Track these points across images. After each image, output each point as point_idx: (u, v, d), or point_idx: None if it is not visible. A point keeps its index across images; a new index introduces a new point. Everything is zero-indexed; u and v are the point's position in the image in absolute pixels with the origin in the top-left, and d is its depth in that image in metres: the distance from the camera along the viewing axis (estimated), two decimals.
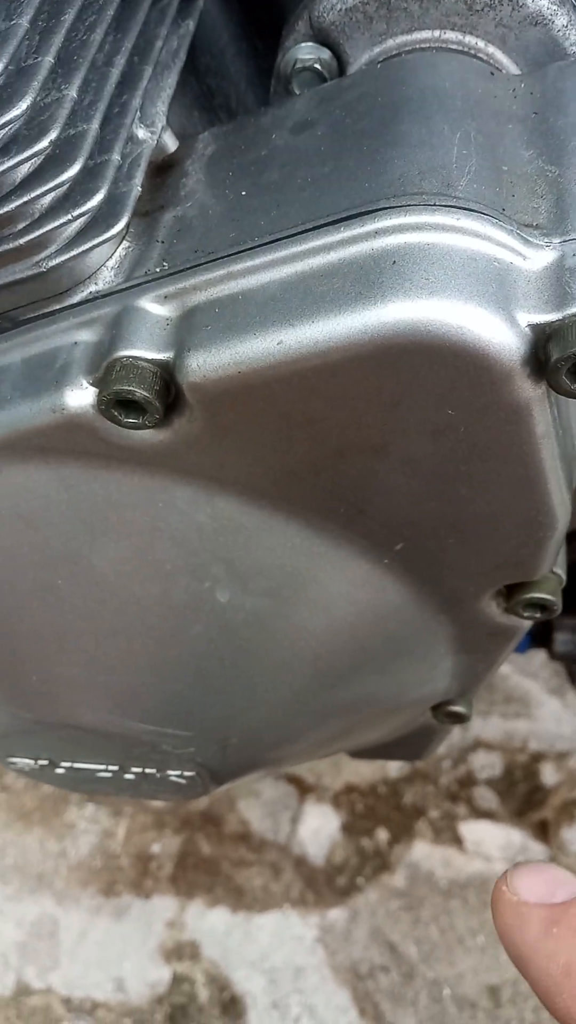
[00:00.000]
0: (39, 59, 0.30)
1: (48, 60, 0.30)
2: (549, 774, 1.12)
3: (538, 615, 0.39)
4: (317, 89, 0.36)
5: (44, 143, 0.30)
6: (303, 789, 1.13)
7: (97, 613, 0.39)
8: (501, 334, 0.27)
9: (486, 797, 1.11)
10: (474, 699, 0.49)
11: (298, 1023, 1.00)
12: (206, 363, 0.29)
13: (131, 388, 0.30)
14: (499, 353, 0.27)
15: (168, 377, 0.30)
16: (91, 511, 0.36)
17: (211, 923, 1.06)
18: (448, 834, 1.09)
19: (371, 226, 0.28)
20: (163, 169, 0.36)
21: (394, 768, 1.13)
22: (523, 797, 1.11)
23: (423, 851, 1.08)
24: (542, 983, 0.26)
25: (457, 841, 1.08)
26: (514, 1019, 0.98)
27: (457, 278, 0.27)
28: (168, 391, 0.30)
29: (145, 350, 0.30)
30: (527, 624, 0.40)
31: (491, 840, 1.08)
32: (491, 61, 0.37)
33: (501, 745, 1.14)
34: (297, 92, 0.38)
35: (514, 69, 0.37)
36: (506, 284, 0.27)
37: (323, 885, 1.07)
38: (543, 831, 1.08)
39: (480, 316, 0.26)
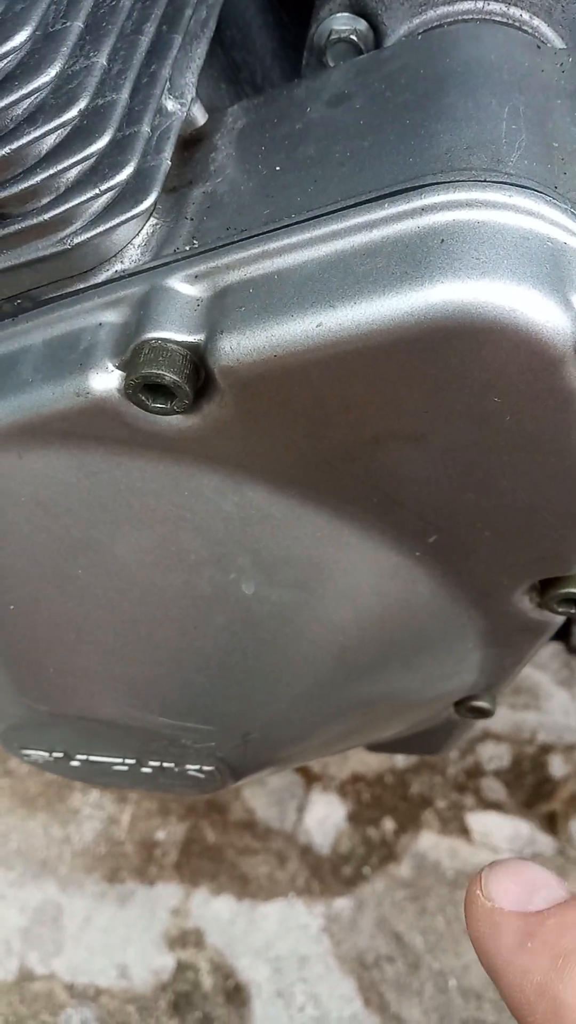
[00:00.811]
0: (68, 24, 0.29)
1: (77, 25, 0.29)
2: (557, 766, 1.11)
3: (573, 611, 0.38)
4: (354, 61, 0.34)
5: (73, 113, 0.29)
6: (309, 778, 1.12)
7: (117, 603, 0.38)
8: (555, 317, 0.25)
9: (494, 788, 1.10)
10: (499, 694, 0.48)
11: (303, 1012, 0.99)
12: (240, 346, 0.28)
13: (160, 372, 0.28)
14: (552, 337, 0.25)
15: (198, 360, 0.29)
16: (113, 498, 0.34)
17: (216, 911, 1.05)
18: (455, 825, 1.08)
19: (417, 203, 0.27)
20: (191, 143, 0.35)
21: (401, 758, 1.12)
22: (531, 789, 1.10)
23: (430, 841, 1.07)
24: (514, 999, 0.25)
25: (464, 832, 1.07)
26: None
27: (509, 258, 0.26)
28: (198, 375, 0.29)
29: (175, 332, 0.29)
30: (560, 620, 0.39)
31: (498, 831, 1.07)
32: (536, 34, 0.35)
33: (509, 736, 1.14)
34: (331, 64, 0.37)
35: (559, 43, 0.36)
36: (560, 265, 0.26)
37: (329, 874, 1.07)
38: (551, 823, 1.07)
39: (533, 298, 0.25)
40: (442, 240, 0.26)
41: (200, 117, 0.35)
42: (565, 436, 0.29)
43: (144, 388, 0.29)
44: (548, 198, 0.27)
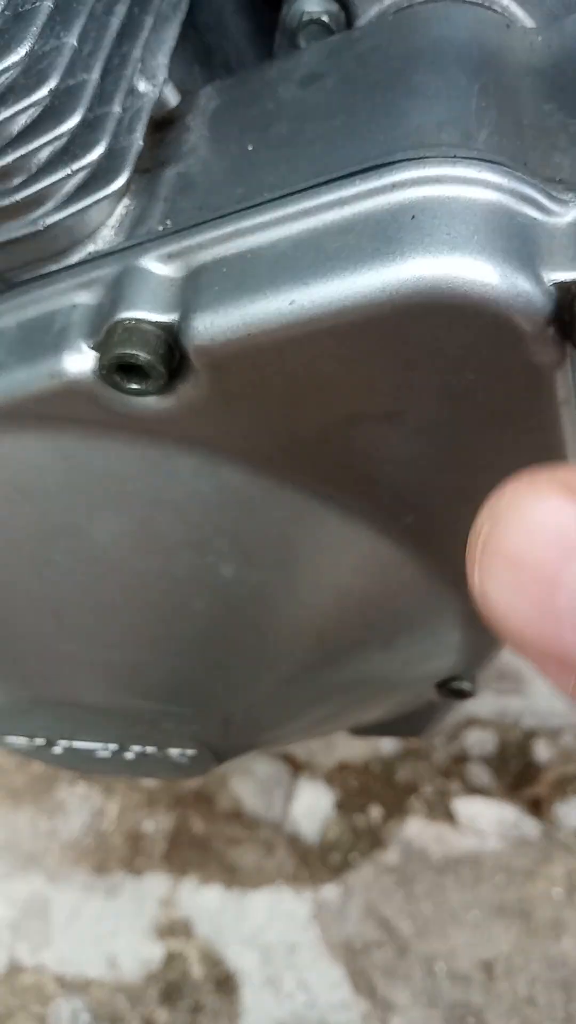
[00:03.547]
0: (38, 3, 0.29)
1: (47, 5, 0.29)
2: (542, 750, 1.12)
3: None
4: (325, 42, 0.34)
5: (43, 92, 0.29)
6: (296, 767, 1.12)
7: (97, 588, 0.38)
8: (526, 292, 0.25)
9: (479, 773, 1.11)
10: (479, 676, 0.48)
11: (292, 998, 1.00)
12: (214, 325, 0.28)
13: (134, 352, 0.28)
14: (523, 312, 0.26)
15: (173, 340, 0.29)
16: (90, 482, 0.34)
17: (204, 900, 1.05)
18: (441, 810, 1.08)
19: (388, 179, 0.27)
20: (164, 124, 0.35)
21: (387, 745, 1.13)
22: (516, 773, 1.11)
23: (416, 827, 1.08)
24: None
25: (450, 817, 1.08)
26: (507, 993, 0.98)
27: (480, 233, 0.26)
28: (173, 355, 0.29)
29: (148, 312, 0.29)
30: None
31: (484, 816, 1.08)
32: (505, 13, 0.35)
33: (494, 722, 1.14)
34: (303, 46, 0.37)
35: (529, 22, 0.36)
36: (530, 240, 0.26)
37: (316, 862, 1.07)
38: (536, 807, 1.08)
39: (504, 273, 0.25)
40: (413, 216, 0.26)
41: (172, 98, 0.35)
42: (539, 412, 0.29)
43: (118, 369, 0.29)
44: (518, 174, 0.27)
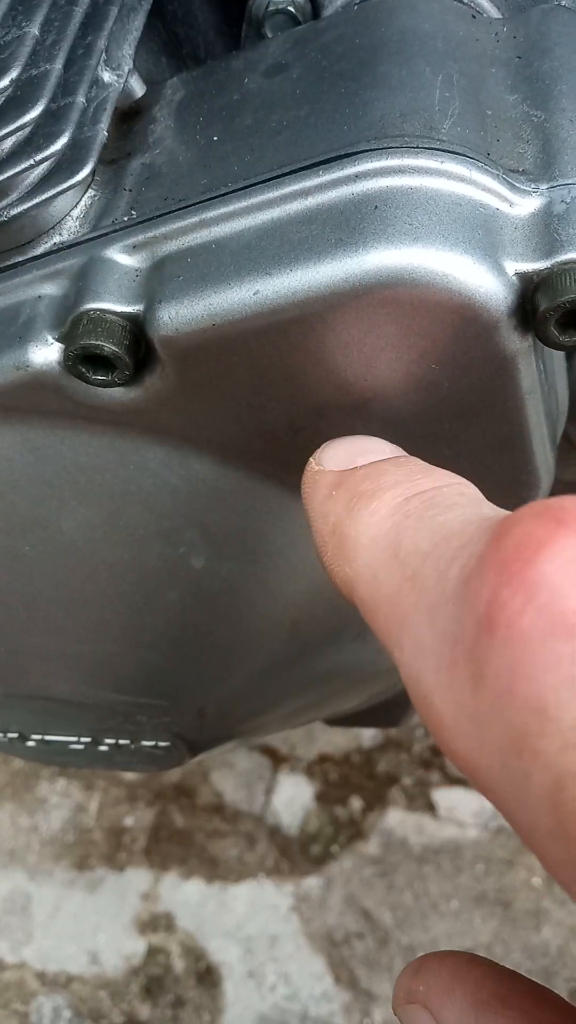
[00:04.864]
0: None
1: None
2: None
3: None
4: (291, 32, 0.34)
5: (4, 83, 0.29)
6: (277, 760, 1.13)
7: (67, 581, 0.38)
8: (488, 283, 0.26)
9: None
10: None
11: (274, 991, 1.00)
12: (178, 315, 0.28)
13: (99, 343, 0.28)
14: (485, 302, 0.26)
15: (138, 331, 0.29)
16: (58, 474, 0.34)
17: (186, 894, 1.06)
18: (421, 801, 1.09)
19: (351, 169, 0.27)
20: (130, 116, 0.35)
21: (368, 737, 1.13)
22: None
23: (397, 818, 1.08)
24: (317, 545, 0.26)
25: (430, 808, 1.08)
26: None
27: (442, 224, 0.26)
28: (138, 346, 0.29)
29: (113, 303, 0.29)
30: None
31: (464, 806, 1.08)
32: (471, 4, 0.35)
33: None
34: (270, 36, 0.37)
35: (495, 13, 0.36)
36: (492, 231, 0.26)
37: (297, 854, 1.07)
38: None
39: (466, 264, 0.25)
40: (375, 207, 0.26)
41: (138, 89, 0.35)
42: (503, 403, 0.29)
43: (84, 360, 0.29)
44: (481, 164, 0.27)
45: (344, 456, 0.27)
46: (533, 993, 0.23)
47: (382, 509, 0.23)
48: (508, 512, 0.21)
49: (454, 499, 0.23)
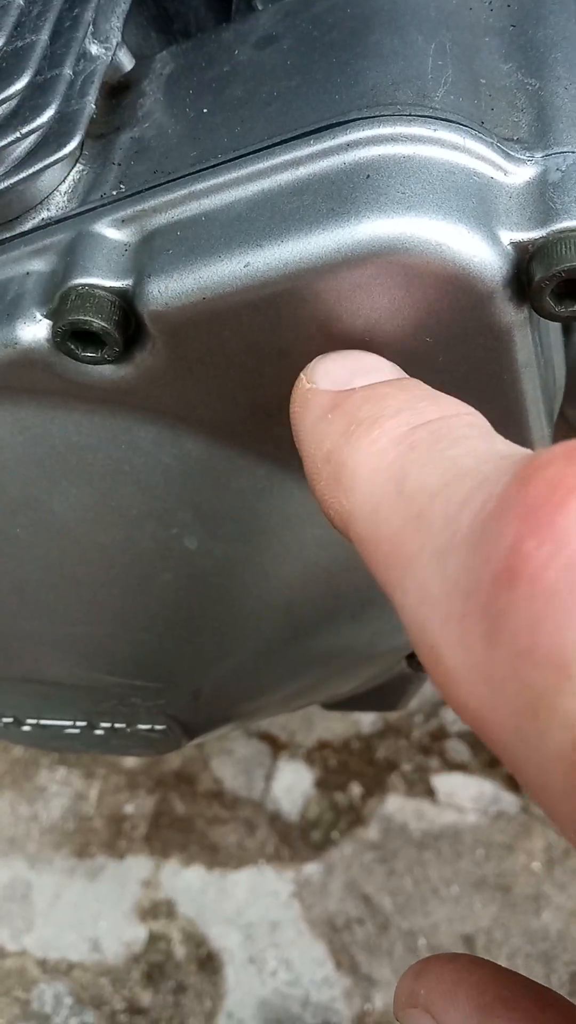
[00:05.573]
0: None
1: None
2: None
3: None
4: (281, 3, 0.34)
5: None
6: (276, 746, 1.12)
7: (59, 562, 0.37)
8: (482, 252, 0.25)
9: (458, 750, 1.11)
10: None
11: (275, 977, 1.00)
12: (168, 289, 0.27)
13: (87, 318, 0.28)
14: (480, 272, 0.25)
15: (128, 306, 0.28)
16: (49, 454, 0.34)
17: (186, 881, 1.06)
18: (421, 787, 1.09)
19: (342, 138, 0.26)
20: (119, 90, 0.34)
21: (367, 723, 1.13)
22: None
23: (396, 804, 1.08)
24: (308, 469, 0.24)
25: (430, 793, 1.08)
26: None
27: (435, 192, 0.25)
28: (128, 322, 0.28)
29: (102, 277, 0.28)
30: None
31: (463, 791, 1.08)
32: None
33: None
34: (260, 8, 0.36)
35: None
36: (487, 200, 0.26)
37: (298, 840, 1.07)
38: (514, 782, 1.09)
39: (460, 233, 0.25)
40: (368, 176, 0.26)
41: (127, 63, 0.34)
42: (499, 376, 0.29)
43: (72, 336, 0.28)
44: (475, 132, 0.26)
45: (341, 374, 0.25)
46: (536, 995, 0.22)
47: (384, 438, 0.22)
48: (526, 450, 0.19)
49: (463, 431, 0.21)
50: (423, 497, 0.19)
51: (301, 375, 0.26)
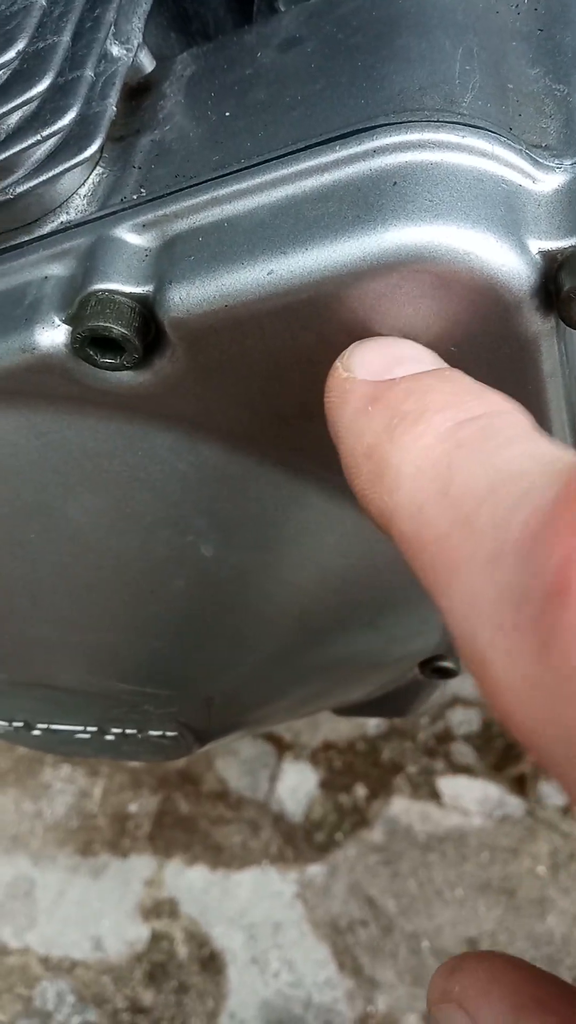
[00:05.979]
0: None
1: None
2: None
3: None
4: (305, 5, 0.33)
5: (10, 54, 0.28)
6: (281, 747, 1.12)
7: (72, 569, 0.37)
8: (510, 261, 0.25)
9: (464, 752, 1.11)
10: None
11: (277, 978, 1.00)
12: (189, 296, 0.27)
13: (107, 324, 0.27)
14: (508, 281, 0.25)
15: (148, 313, 0.28)
16: (65, 460, 0.33)
17: (189, 881, 1.05)
18: (426, 789, 1.09)
19: (369, 144, 0.26)
20: (139, 92, 0.34)
21: (372, 725, 1.13)
22: (500, 752, 1.11)
23: (401, 806, 1.08)
24: (347, 463, 0.23)
25: (435, 796, 1.08)
26: None
27: (463, 200, 0.25)
28: (148, 328, 0.28)
29: (122, 283, 0.28)
30: None
31: (469, 794, 1.08)
32: None
33: (478, 701, 1.14)
34: (282, 9, 0.36)
35: None
36: (515, 207, 0.25)
37: (302, 841, 1.07)
38: (520, 785, 1.08)
39: (488, 241, 0.24)
40: (395, 182, 0.25)
41: (148, 64, 0.34)
42: (524, 385, 0.28)
43: (92, 342, 0.28)
44: (503, 139, 0.26)
45: (379, 363, 0.24)
46: (571, 998, 0.22)
47: (428, 434, 0.21)
48: (571, 453, 0.19)
49: (510, 430, 0.20)
50: (471, 501, 0.19)
51: (336, 363, 0.25)
